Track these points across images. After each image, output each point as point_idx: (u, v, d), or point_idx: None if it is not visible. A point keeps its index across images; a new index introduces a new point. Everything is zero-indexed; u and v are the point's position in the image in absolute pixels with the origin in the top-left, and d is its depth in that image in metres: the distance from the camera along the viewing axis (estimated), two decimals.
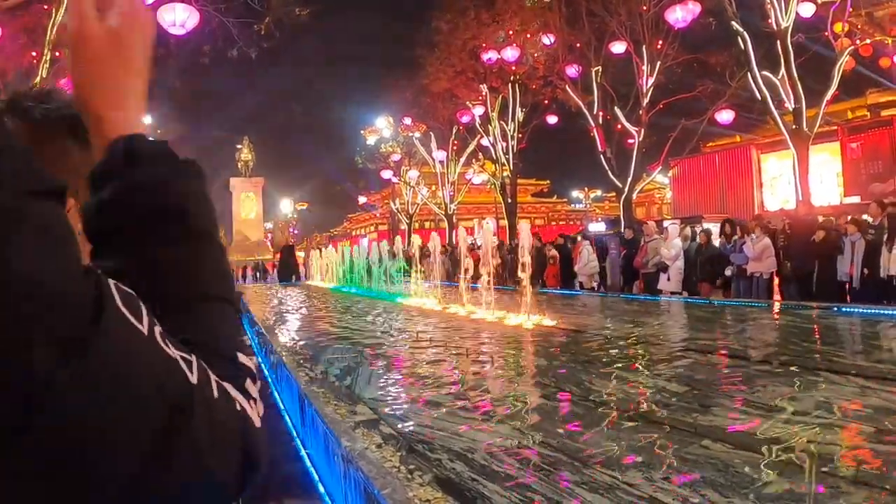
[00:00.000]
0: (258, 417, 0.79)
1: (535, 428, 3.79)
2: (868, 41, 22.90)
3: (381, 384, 5.28)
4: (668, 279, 14.20)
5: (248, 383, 0.81)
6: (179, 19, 15.58)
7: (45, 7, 18.78)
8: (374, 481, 2.78)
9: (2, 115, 0.99)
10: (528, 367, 6.27)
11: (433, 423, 3.90)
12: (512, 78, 32.25)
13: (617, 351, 6.72)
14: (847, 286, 11.59)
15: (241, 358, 0.82)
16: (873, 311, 9.17)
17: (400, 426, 3.87)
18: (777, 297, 12.62)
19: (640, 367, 5.58)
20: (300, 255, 44.95)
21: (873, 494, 2.61)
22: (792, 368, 5.14)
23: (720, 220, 15.90)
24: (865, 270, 11.11)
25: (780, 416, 3.75)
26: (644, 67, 25.55)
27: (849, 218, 12.52)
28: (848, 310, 9.49)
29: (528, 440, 3.53)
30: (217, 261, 0.87)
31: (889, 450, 3.15)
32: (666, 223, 18.96)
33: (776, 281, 12.90)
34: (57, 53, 19.12)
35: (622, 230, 20.77)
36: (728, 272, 13.33)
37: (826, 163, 29.82)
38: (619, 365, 5.77)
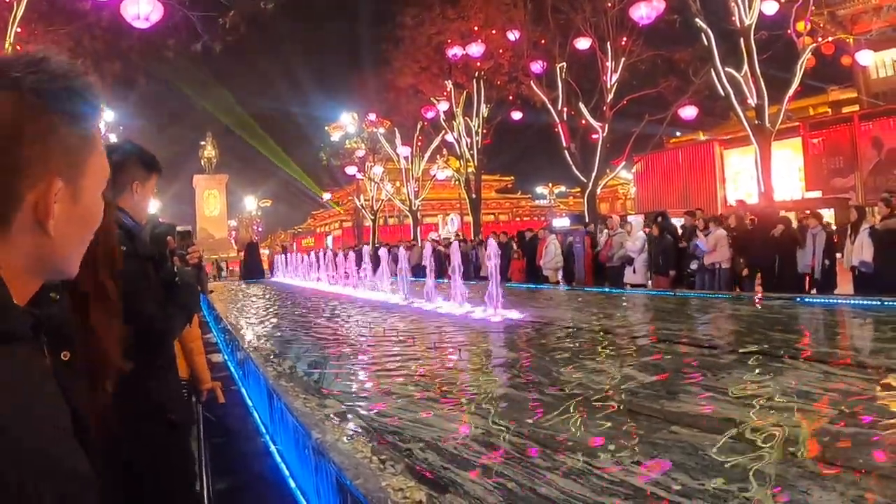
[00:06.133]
0: None
1: (505, 417, 3.79)
2: (829, 39, 23.34)
3: (350, 377, 5.26)
4: (634, 272, 14.34)
5: None
6: (143, 12, 15.20)
7: (6, 0, 18.35)
8: (347, 472, 2.77)
9: None
10: (496, 358, 6.28)
11: (403, 414, 3.90)
12: (477, 74, 32.31)
13: (584, 342, 6.76)
14: (807, 277, 11.83)
15: None
16: (834, 300, 9.34)
17: (370, 418, 3.86)
18: (739, 288, 12.78)
19: (607, 357, 5.62)
20: (264, 252, 44.59)
21: (839, 473, 2.66)
22: (756, 356, 5.22)
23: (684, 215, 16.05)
24: (827, 262, 11.36)
25: (746, 402, 3.81)
26: (608, 64, 25.79)
27: (808, 212, 12.78)
28: (809, 300, 9.65)
29: (497, 429, 3.54)
30: None
31: (852, 431, 3.21)
32: (630, 217, 19.13)
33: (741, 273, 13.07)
34: (18, 48, 18.70)
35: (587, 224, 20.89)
36: (693, 266, 13.48)
37: (788, 158, 30.31)
38: (587, 355, 5.81)
